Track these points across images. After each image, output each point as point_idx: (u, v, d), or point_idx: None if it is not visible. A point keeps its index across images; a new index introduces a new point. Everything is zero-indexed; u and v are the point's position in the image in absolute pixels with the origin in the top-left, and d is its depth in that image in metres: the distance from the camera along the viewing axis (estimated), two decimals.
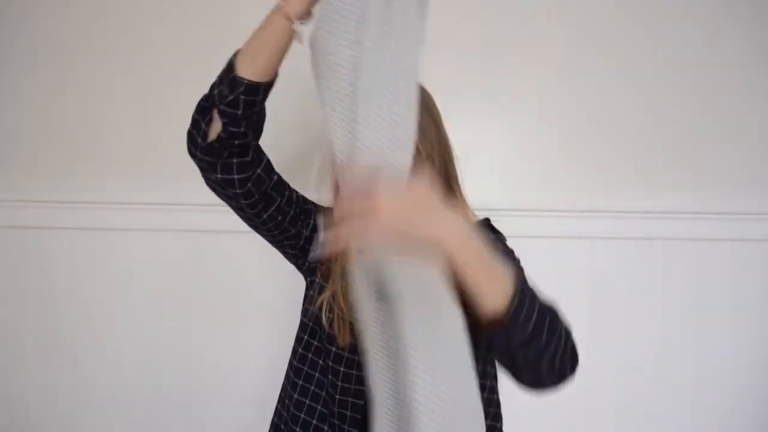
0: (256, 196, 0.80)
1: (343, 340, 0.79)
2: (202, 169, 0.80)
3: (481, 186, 1.26)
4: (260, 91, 0.75)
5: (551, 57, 1.24)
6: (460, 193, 0.85)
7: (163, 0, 1.28)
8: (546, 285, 1.24)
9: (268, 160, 0.82)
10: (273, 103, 0.81)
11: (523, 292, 0.63)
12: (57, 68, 1.31)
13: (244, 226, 1.26)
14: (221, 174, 0.78)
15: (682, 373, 1.26)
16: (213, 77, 1.34)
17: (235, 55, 0.79)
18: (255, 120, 0.77)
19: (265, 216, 0.82)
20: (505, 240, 0.89)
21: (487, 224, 0.89)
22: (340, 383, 0.80)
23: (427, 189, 0.60)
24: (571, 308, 1.25)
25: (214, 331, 1.29)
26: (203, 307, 1.30)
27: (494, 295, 0.61)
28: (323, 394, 0.82)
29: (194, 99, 1.27)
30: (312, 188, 0.91)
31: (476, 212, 1.22)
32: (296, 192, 0.86)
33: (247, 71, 0.75)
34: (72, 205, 1.29)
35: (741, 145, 1.24)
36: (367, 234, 0.56)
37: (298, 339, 0.86)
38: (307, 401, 0.82)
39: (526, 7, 1.23)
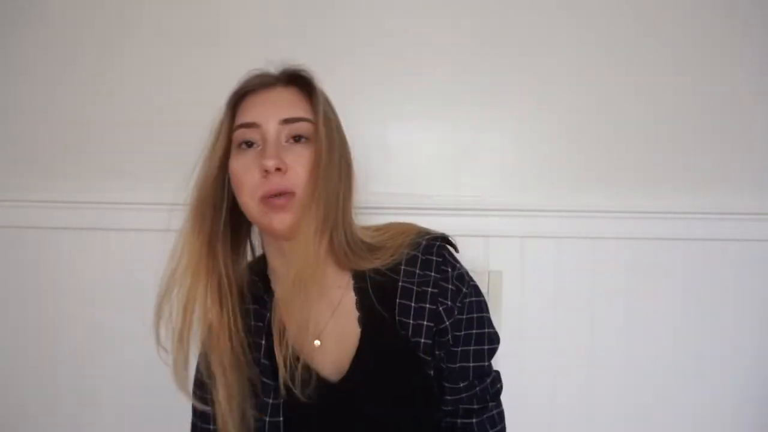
0: None
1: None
2: None
3: (481, 186, 1.26)
4: None
5: (552, 57, 1.24)
6: (349, 217, 0.78)
7: (162, 1, 1.28)
8: (546, 284, 1.25)
9: None
10: None
11: None
12: (57, 68, 1.31)
13: None
14: None
15: (682, 373, 1.26)
16: (212, 77, 1.35)
17: None
18: None
19: None
20: (464, 274, 0.80)
21: (443, 250, 0.78)
22: None
23: None
24: (572, 308, 1.26)
25: None
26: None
27: None
28: None
29: (194, 99, 1.28)
30: None
31: (476, 212, 1.23)
32: None
33: None
34: (72, 205, 1.29)
35: (741, 145, 1.24)
36: None
37: None
38: None
39: (527, 6, 1.23)
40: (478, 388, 0.78)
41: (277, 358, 0.71)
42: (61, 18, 1.30)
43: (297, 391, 0.70)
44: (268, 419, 0.74)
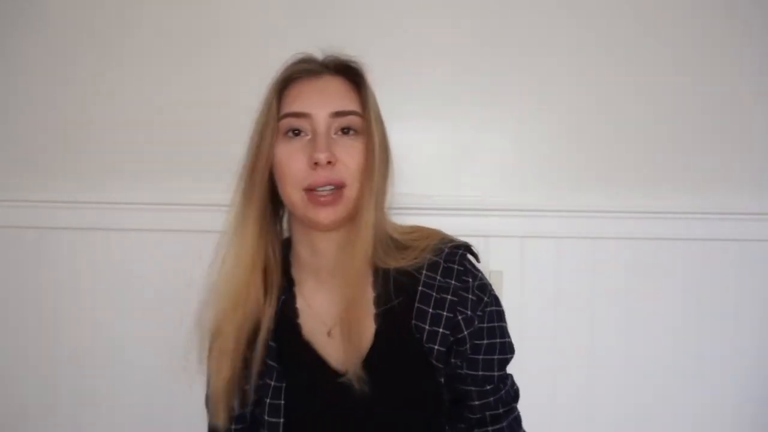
0: None
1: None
2: None
3: (481, 186, 1.26)
4: None
5: (552, 57, 1.24)
6: (382, 211, 0.78)
7: (162, 1, 1.28)
8: (546, 284, 1.25)
9: None
10: None
11: None
12: (57, 68, 1.31)
13: None
14: None
15: (682, 373, 1.26)
16: (212, 77, 1.35)
17: None
18: None
19: None
20: (485, 284, 0.79)
21: (464, 259, 0.78)
22: None
23: None
24: (571, 308, 1.26)
25: None
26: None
27: None
28: None
29: (194, 99, 1.28)
30: None
31: (476, 212, 1.23)
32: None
33: None
34: (72, 205, 1.29)
35: (741, 145, 1.24)
36: None
37: None
38: None
39: (527, 6, 1.23)
40: (503, 392, 0.79)
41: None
42: (61, 18, 1.30)
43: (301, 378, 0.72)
44: (268, 401, 0.74)
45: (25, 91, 1.32)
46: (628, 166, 1.25)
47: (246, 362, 0.74)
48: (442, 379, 0.75)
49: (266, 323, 0.74)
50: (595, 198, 1.24)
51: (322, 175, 0.69)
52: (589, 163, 1.25)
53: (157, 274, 1.30)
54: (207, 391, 0.82)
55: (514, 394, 0.82)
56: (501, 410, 0.79)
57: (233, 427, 0.79)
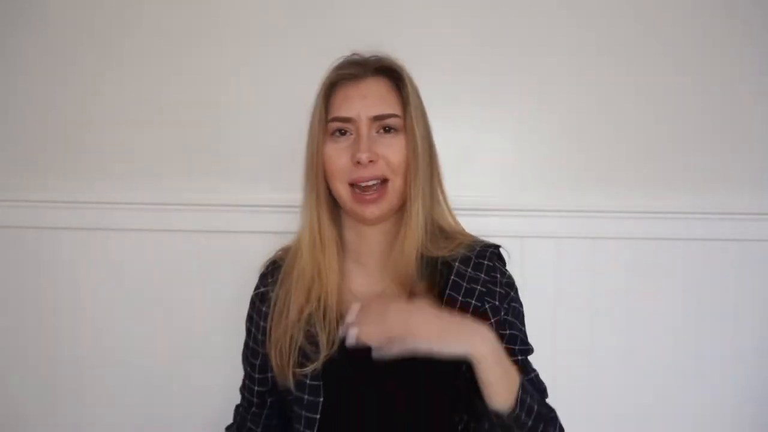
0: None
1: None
2: None
3: (481, 186, 1.26)
4: None
5: (552, 57, 1.24)
6: (445, 199, 0.88)
7: (162, 1, 1.28)
8: (546, 284, 1.25)
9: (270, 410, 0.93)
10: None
11: (525, 390, 0.73)
12: (57, 68, 1.31)
13: (243, 226, 1.27)
14: None
15: (682, 373, 1.26)
16: (212, 77, 1.35)
17: None
18: None
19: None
20: (513, 282, 0.89)
21: (496, 254, 0.88)
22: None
23: (438, 310, 0.72)
24: (572, 308, 1.26)
25: (214, 331, 1.29)
26: (203, 307, 1.30)
27: (504, 393, 0.71)
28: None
29: (194, 99, 1.28)
30: None
31: (476, 212, 1.23)
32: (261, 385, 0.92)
33: None
34: (72, 205, 1.29)
35: (741, 145, 1.24)
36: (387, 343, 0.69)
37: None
38: None
39: (527, 6, 1.23)
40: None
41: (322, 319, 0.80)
42: (61, 18, 1.30)
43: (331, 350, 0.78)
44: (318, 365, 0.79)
45: (25, 91, 1.32)
46: (628, 166, 1.25)
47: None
48: (464, 366, 0.78)
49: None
50: (595, 198, 1.24)
51: (365, 171, 0.78)
52: (589, 163, 1.25)
53: (157, 274, 1.30)
54: (244, 349, 0.93)
55: (541, 388, 0.86)
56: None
57: (256, 388, 0.90)
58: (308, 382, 0.79)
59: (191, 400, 1.32)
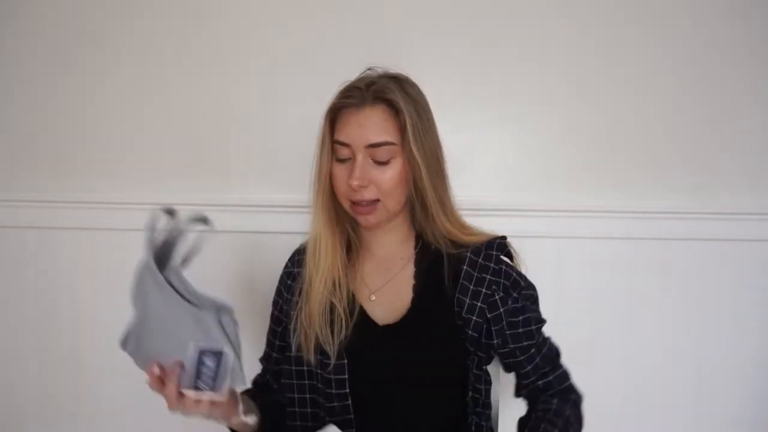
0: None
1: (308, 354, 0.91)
2: None
3: (481, 186, 1.26)
4: None
5: (551, 57, 1.24)
6: (450, 206, 0.95)
7: (162, 1, 1.28)
8: (546, 284, 1.25)
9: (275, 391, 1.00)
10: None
11: None
12: (57, 68, 1.31)
13: (242, 226, 1.27)
14: None
15: (682, 373, 1.26)
16: (212, 78, 1.35)
17: None
18: None
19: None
20: (520, 272, 0.95)
21: (502, 246, 0.94)
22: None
23: None
24: (571, 308, 1.26)
25: None
26: None
27: None
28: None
29: (194, 99, 1.28)
30: None
31: (476, 212, 1.23)
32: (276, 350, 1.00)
33: None
34: (72, 205, 1.30)
35: (741, 145, 1.24)
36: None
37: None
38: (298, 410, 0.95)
39: (527, 6, 1.23)
40: (545, 349, 0.93)
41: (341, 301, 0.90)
42: (61, 18, 1.30)
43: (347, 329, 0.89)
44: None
45: (25, 91, 1.32)
46: (628, 166, 1.25)
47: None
48: (472, 348, 0.88)
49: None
50: (595, 198, 1.24)
51: (358, 194, 0.87)
52: (589, 163, 1.25)
53: None
54: (270, 323, 1.02)
55: (556, 351, 0.95)
56: (547, 368, 0.93)
57: (274, 355, 0.99)
58: (335, 347, 0.88)
59: None
